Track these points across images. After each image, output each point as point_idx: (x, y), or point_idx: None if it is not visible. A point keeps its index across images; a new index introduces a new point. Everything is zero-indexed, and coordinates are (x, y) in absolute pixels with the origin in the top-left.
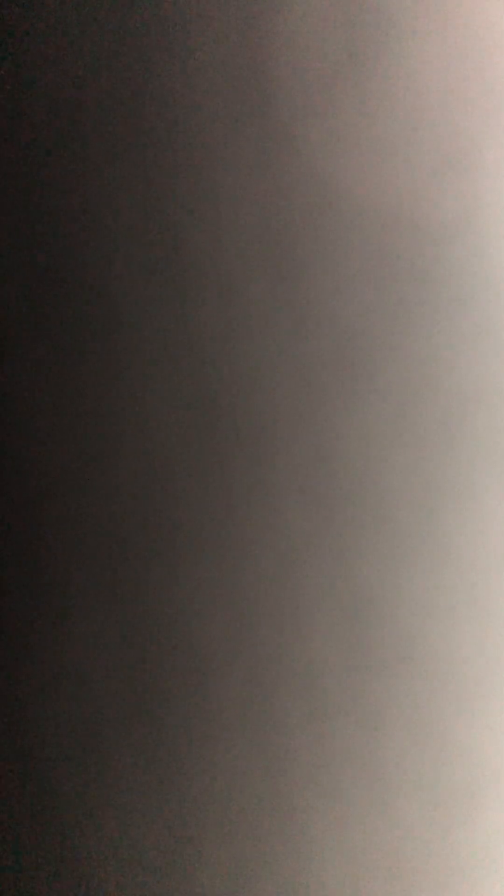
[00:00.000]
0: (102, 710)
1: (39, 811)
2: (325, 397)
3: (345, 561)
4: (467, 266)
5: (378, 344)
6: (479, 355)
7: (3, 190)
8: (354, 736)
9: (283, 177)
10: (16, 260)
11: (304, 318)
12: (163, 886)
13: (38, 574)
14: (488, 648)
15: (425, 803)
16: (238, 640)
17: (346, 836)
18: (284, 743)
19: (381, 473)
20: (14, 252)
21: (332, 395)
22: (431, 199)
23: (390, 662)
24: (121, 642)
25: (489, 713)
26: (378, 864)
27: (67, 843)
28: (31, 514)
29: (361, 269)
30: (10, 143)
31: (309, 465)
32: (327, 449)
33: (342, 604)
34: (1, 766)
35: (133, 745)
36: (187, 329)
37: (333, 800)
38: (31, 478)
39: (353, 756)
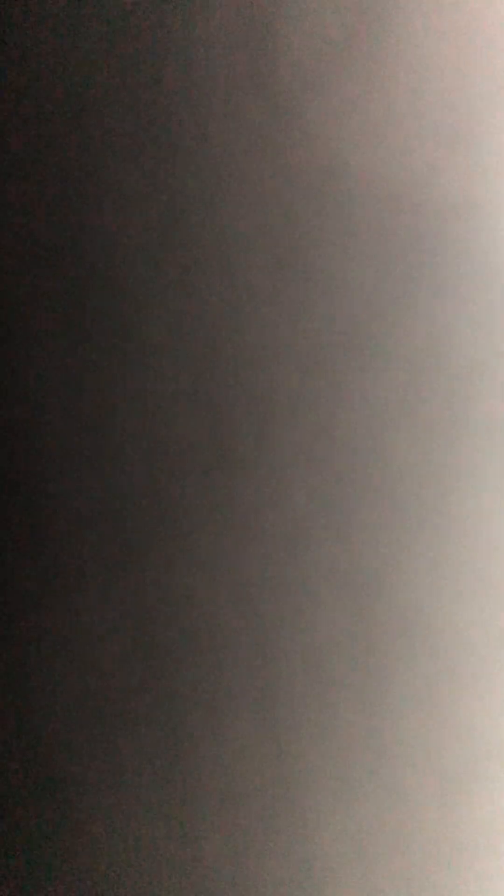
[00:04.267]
0: (107, 688)
1: (44, 787)
2: (328, 375)
3: (349, 538)
4: (471, 243)
5: (382, 321)
6: (482, 332)
7: (6, 175)
8: (358, 713)
9: (286, 154)
10: (20, 243)
11: (307, 295)
12: (168, 861)
13: (42, 553)
14: (492, 625)
15: (429, 779)
16: (242, 617)
17: (351, 812)
18: (289, 720)
19: (385, 451)
20: (18, 235)
21: (335, 373)
22: (435, 176)
23: (394, 639)
24: (125, 620)
25: (493, 690)
26: (382, 840)
27: (73, 819)
28: (35, 490)
29: (365, 246)
30: (13, 126)
31: (313, 444)
32: (331, 427)
33: (346, 581)
34: (6, 747)
35: (137, 723)
36: (191, 306)
37: (337, 775)
38: (34, 456)
39: (357, 732)
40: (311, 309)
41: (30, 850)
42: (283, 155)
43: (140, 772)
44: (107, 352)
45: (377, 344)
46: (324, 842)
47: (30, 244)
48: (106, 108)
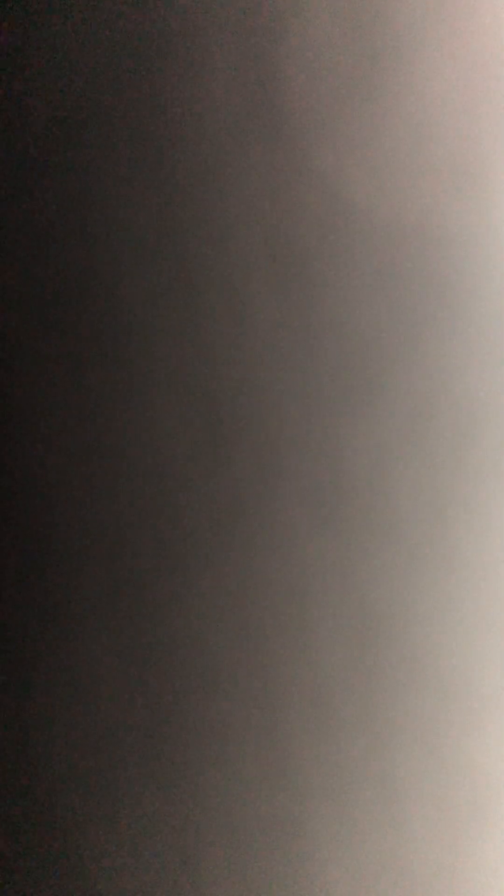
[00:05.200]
0: (107, 723)
1: (43, 826)
2: (333, 411)
3: (353, 576)
4: (476, 278)
5: (386, 357)
6: (487, 368)
7: (8, 205)
8: (362, 751)
9: (292, 190)
10: (27, 277)
11: (312, 331)
12: (170, 894)
13: (44, 588)
14: (497, 664)
15: (433, 818)
16: (246, 656)
17: (353, 851)
18: (291, 758)
19: (390, 487)
20: (25, 269)
21: (340, 408)
22: (440, 212)
23: (399, 678)
24: (126, 657)
25: (497, 728)
26: (385, 878)
27: (71, 858)
28: (36, 526)
29: (370, 282)
30: (14, 160)
31: (318, 480)
32: (336, 463)
33: (351, 618)
34: (5, 784)
35: (137, 760)
36: (195, 343)
37: (341, 815)
38: (35, 486)
39: (361, 771)
40: (316, 345)
41: (28, 887)
42: (289, 191)
43: (142, 807)
44: (111, 390)
45: (381, 380)
46: (327, 876)
47: (32, 272)
48: (110, 144)
